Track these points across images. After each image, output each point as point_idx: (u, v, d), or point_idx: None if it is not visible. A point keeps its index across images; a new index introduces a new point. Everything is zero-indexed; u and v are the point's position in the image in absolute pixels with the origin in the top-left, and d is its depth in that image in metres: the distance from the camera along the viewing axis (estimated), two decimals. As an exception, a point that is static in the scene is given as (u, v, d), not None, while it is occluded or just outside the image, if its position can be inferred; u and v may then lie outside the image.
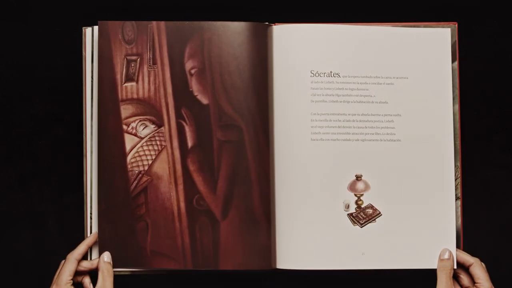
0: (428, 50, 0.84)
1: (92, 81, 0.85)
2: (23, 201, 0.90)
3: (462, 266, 0.82)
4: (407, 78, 0.84)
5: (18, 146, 0.90)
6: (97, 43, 0.84)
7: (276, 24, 0.84)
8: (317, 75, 0.83)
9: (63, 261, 0.81)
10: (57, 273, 0.81)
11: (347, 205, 0.83)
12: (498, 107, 0.90)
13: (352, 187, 0.83)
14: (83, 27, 0.85)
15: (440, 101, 0.84)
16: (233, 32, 0.82)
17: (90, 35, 0.85)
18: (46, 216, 0.90)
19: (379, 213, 0.83)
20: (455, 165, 0.84)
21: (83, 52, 0.85)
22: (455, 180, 0.84)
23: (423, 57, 0.84)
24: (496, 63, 0.90)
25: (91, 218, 0.85)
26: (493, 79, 0.90)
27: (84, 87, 0.85)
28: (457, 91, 0.84)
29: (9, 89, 0.90)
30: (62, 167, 0.90)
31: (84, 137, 0.85)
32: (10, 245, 0.90)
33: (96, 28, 0.84)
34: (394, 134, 0.84)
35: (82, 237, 0.85)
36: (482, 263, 0.81)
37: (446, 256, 0.81)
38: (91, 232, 0.84)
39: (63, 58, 0.90)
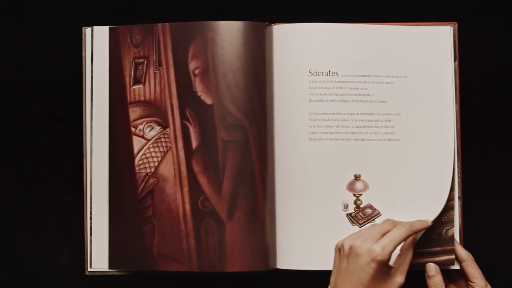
0: (428, 48, 0.84)
1: (92, 81, 0.85)
2: (23, 201, 0.90)
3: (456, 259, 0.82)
4: (407, 77, 0.84)
5: (18, 146, 0.90)
6: (96, 44, 0.85)
7: (276, 24, 0.84)
8: (315, 74, 0.83)
9: None
10: None
11: (345, 205, 0.83)
12: (498, 107, 0.90)
13: (351, 187, 0.83)
14: (83, 27, 0.86)
15: (440, 100, 0.84)
16: (236, 32, 0.82)
17: (90, 35, 0.85)
18: (46, 216, 0.90)
19: (378, 213, 0.83)
20: (455, 165, 0.84)
21: (83, 52, 0.85)
22: (455, 180, 0.83)
23: (423, 56, 0.84)
24: (496, 63, 0.90)
25: (91, 218, 0.85)
26: (493, 79, 0.90)
27: (84, 87, 0.85)
28: (457, 91, 0.84)
29: (9, 89, 0.90)
30: (62, 167, 0.90)
31: (84, 137, 0.85)
32: (10, 245, 0.90)
33: (95, 28, 0.85)
34: (393, 134, 0.83)
35: (82, 237, 0.85)
36: (473, 259, 0.81)
37: (433, 272, 0.80)
38: (91, 233, 0.84)
39: (63, 58, 0.90)
